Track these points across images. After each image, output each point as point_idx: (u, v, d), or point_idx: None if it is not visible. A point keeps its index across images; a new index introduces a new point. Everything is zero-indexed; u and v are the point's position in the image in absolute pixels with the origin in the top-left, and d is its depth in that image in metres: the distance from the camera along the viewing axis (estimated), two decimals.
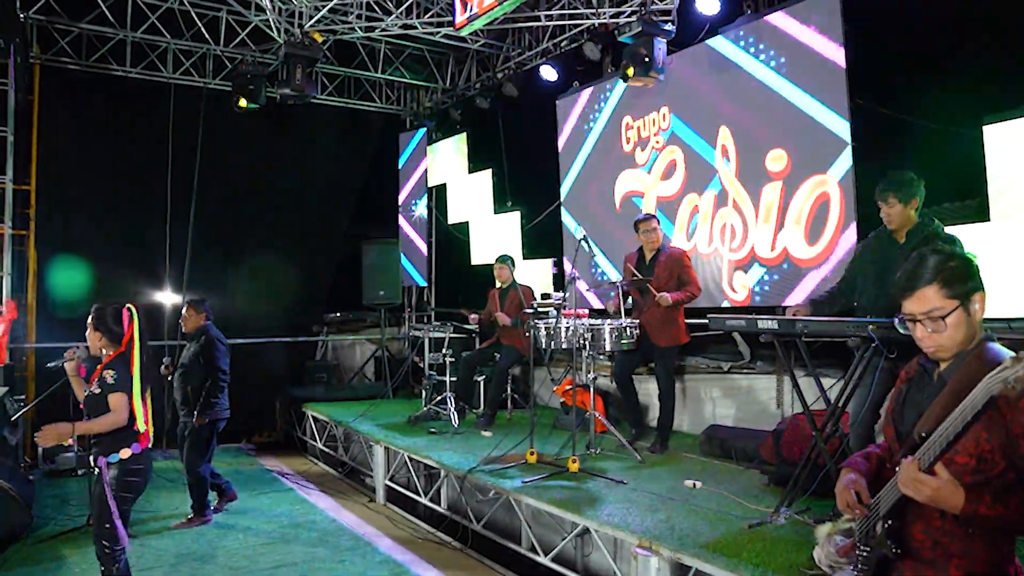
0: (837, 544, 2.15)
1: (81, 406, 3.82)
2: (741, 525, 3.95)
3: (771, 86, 6.13)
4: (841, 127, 5.56)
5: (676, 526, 3.99)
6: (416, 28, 7.63)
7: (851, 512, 2.04)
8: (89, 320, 3.82)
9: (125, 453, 3.67)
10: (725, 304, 6.58)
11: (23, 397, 7.51)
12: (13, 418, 6.33)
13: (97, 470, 3.68)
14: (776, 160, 6.10)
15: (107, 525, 3.61)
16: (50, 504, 6.22)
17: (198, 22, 8.30)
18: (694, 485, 4.81)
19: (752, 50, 6.31)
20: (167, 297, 9.17)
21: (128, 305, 3.85)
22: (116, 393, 3.62)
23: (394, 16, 7.51)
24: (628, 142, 7.71)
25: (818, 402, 4.20)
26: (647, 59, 6.29)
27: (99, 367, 3.74)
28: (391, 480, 6.74)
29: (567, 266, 8.00)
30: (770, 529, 3.88)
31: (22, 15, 7.68)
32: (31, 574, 4.77)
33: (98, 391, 3.67)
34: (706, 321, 4.79)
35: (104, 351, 3.79)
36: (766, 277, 6.21)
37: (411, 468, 6.35)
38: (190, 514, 5.85)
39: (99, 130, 8.88)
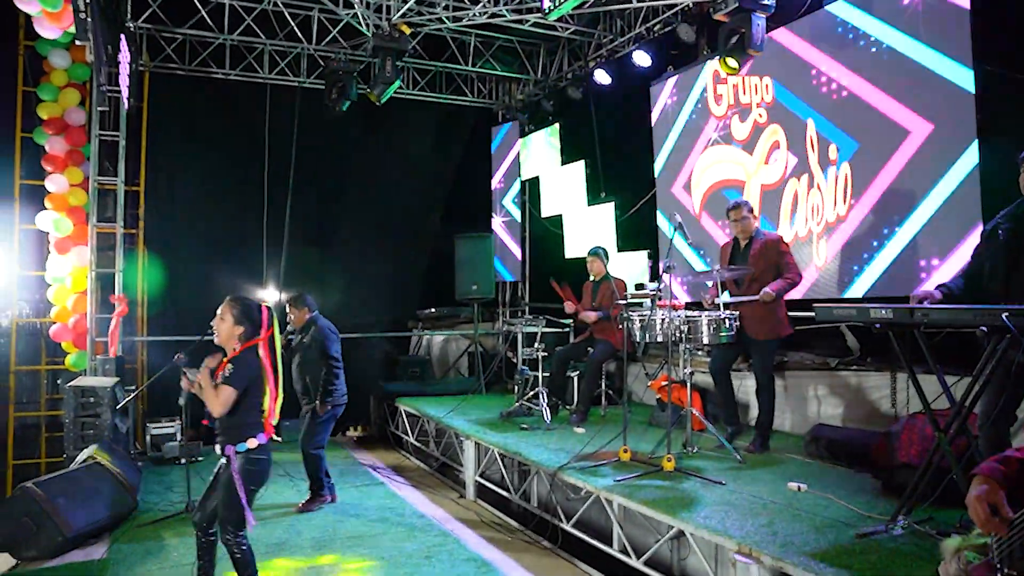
0: (969, 563, 1.86)
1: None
2: (851, 534, 3.62)
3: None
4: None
5: (779, 532, 3.69)
6: (504, 16, 7.50)
7: (987, 529, 1.75)
8: (227, 311, 3.76)
9: (252, 443, 3.70)
10: (814, 277, 6.34)
11: (133, 387, 7.85)
12: (119, 405, 6.60)
13: (225, 459, 3.72)
14: (832, 151, 6.13)
15: (234, 511, 3.66)
16: (154, 490, 6.45)
17: (291, 22, 8.48)
18: (798, 488, 4.48)
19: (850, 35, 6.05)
20: (269, 294, 9.42)
21: (266, 304, 3.87)
22: (223, 386, 3.63)
23: (481, 5, 7.41)
24: (719, 101, 7.33)
25: (939, 401, 3.79)
26: (744, 37, 5.94)
27: (225, 360, 3.73)
28: (481, 476, 6.65)
29: (662, 256, 7.72)
30: (885, 540, 3.53)
31: (131, 25, 8.03)
32: (135, 554, 4.94)
33: (219, 381, 3.70)
34: (809, 313, 4.45)
35: (234, 344, 3.75)
36: (831, 235, 6.19)
37: (501, 464, 6.23)
38: (307, 496, 6.03)
39: (201, 131, 9.22)
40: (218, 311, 3.79)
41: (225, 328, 3.75)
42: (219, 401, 3.63)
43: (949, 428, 3.51)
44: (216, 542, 3.85)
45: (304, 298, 6.24)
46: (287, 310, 6.28)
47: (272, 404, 3.78)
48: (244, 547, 3.71)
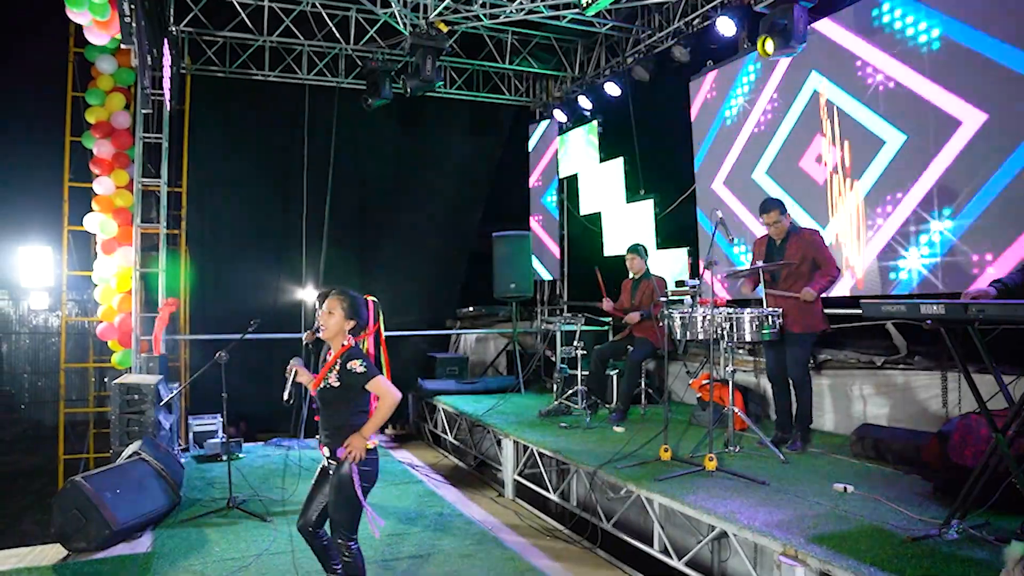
0: None
1: (313, 405, 3.67)
2: (902, 537, 3.51)
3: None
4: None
5: (825, 534, 3.59)
6: (541, 12, 7.46)
7: None
8: (336, 305, 3.60)
9: (370, 443, 3.53)
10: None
11: (177, 384, 7.99)
12: (163, 402, 6.70)
13: (336, 461, 3.53)
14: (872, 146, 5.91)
15: (346, 514, 3.51)
16: (196, 486, 6.54)
17: (329, 23, 8.54)
18: (844, 489, 4.36)
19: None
20: (307, 294, 9.52)
21: (373, 298, 3.73)
22: (374, 379, 3.47)
23: (518, 2, 7.38)
24: (763, 96, 7.15)
25: (994, 401, 3.64)
26: (786, 29, 5.83)
27: (335, 356, 3.56)
28: (520, 475, 6.62)
29: (703, 253, 7.63)
30: (938, 544, 3.40)
31: (174, 29, 8.17)
32: (178, 549, 4.99)
33: (337, 384, 3.50)
34: (853, 311, 4.33)
35: (342, 339, 3.60)
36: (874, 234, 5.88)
37: (540, 463, 6.20)
38: None
39: (242, 133, 9.37)
40: (325, 305, 3.64)
41: (335, 322, 3.58)
42: (388, 397, 3.47)
43: (1008, 429, 3.38)
44: (330, 544, 3.69)
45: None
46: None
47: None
48: (355, 549, 3.56)
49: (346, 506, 3.50)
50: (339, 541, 3.56)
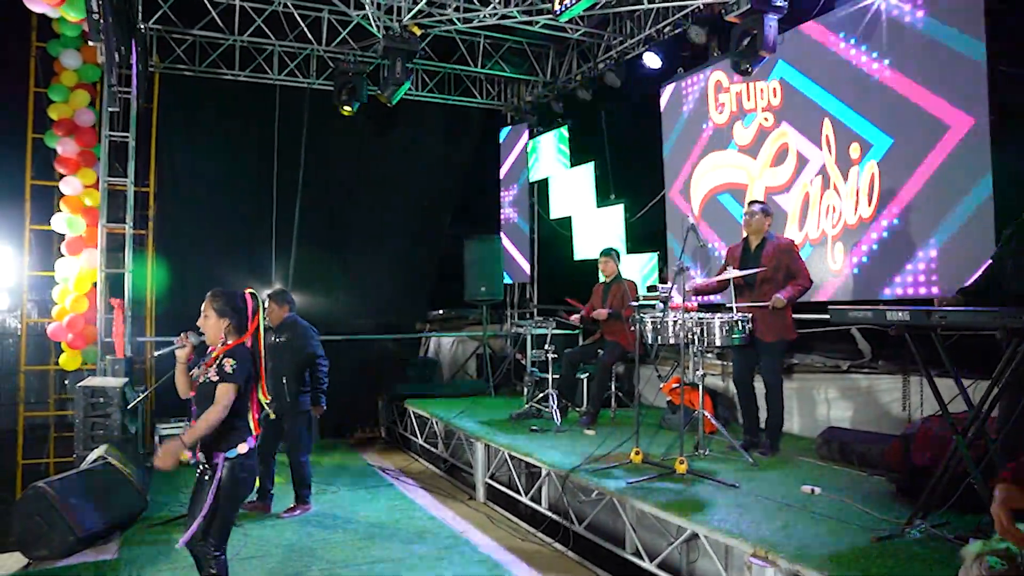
0: (990, 568, 1.84)
1: (191, 394, 3.55)
2: (867, 537, 3.59)
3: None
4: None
5: (794, 535, 3.67)
6: (514, 16, 7.48)
7: (1008, 538, 1.74)
8: (209, 305, 3.53)
9: (243, 448, 3.47)
10: (830, 279, 6.26)
11: (143, 388, 7.86)
12: (130, 406, 6.60)
13: (212, 466, 3.45)
14: (854, 149, 6.01)
15: (217, 522, 3.43)
16: (163, 491, 6.44)
17: (301, 23, 8.46)
18: (812, 491, 4.45)
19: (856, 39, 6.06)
20: None
21: (251, 291, 3.59)
22: (226, 384, 3.38)
23: (491, 6, 7.40)
24: (721, 110, 7.27)
25: (953, 404, 3.74)
26: (756, 39, 5.93)
27: (217, 352, 3.49)
28: (491, 478, 6.63)
29: (672, 258, 7.72)
30: (901, 543, 3.50)
31: (142, 26, 8.04)
32: (145, 555, 4.93)
33: (216, 378, 3.42)
34: (819, 316, 4.42)
35: (224, 340, 3.53)
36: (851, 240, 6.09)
37: (511, 466, 6.22)
38: (292, 503, 5.96)
39: (211, 132, 9.23)
40: (201, 309, 3.57)
41: (211, 324, 3.53)
42: (221, 403, 3.35)
43: (967, 432, 3.49)
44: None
45: (287, 295, 6.10)
46: (267, 305, 6.00)
47: (255, 404, 3.58)
48: (222, 562, 3.47)
49: (218, 514, 3.42)
50: (207, 550, 3.44)
